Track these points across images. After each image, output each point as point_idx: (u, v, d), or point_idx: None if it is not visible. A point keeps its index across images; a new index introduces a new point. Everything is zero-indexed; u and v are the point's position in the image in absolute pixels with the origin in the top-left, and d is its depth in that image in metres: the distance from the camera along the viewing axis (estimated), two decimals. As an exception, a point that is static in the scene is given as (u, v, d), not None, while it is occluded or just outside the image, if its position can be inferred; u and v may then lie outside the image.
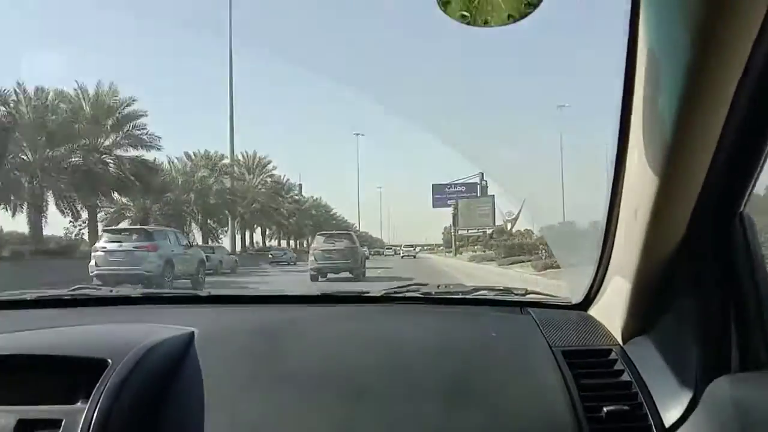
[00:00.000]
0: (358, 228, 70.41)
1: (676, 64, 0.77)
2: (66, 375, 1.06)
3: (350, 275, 17.70)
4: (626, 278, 1.15)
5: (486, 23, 0.82)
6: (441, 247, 73.18)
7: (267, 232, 48.33)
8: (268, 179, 45.06)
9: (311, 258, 18.22)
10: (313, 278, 17.68)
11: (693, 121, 0.80)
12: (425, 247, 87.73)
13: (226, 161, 37.25)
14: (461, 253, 40.76)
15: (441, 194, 41.65)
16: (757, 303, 0.98)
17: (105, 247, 13.22)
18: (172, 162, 32.74)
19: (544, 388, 1.11)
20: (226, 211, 34.86)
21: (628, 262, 1.12)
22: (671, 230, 0.99)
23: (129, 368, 1.04)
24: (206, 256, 17.86)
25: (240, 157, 42.83)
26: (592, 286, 1.37)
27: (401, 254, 55.39)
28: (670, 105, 0.80)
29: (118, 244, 13.20)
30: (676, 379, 1.05)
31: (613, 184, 1.09)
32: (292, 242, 54.99)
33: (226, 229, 36.45)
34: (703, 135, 0.82)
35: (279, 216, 46.32)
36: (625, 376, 1.14)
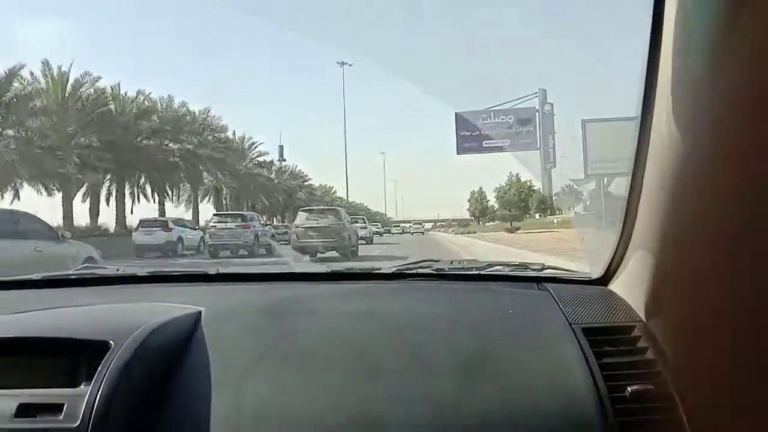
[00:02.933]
0: (346, 199, 56.72)
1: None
2: (68, 357, 1.04)
3: (337, 255, 16.12)
4: (649, 252, 1.08)
5: None
6: (468, 224, 53.82)
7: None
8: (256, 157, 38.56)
9: (293, 236, 16.87)
10: (296, 259, 16.20)
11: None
12: (438, 224, 72.95)
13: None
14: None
15: (470, 130, 23.58)
16: None
17: (215, 226, 19.01)
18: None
19: (564, 366, 1.06)
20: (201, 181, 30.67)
21: (651, 236, 1.05)
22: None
23: (131, 350, 1.01)
24: (284, 231, 23.15)
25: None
26: (612, 260, 1.30)
27: (411, 231, 51.12)
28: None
29: (225, 224, 18.94)
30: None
31: (635, 156, 1.03)
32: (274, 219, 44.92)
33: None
34: None
35: (270, 192, 39.78)
36: (649, 354, 1.08)
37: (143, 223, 20.50)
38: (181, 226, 20.64)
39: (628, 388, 1.01)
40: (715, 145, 0.83)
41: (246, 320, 1.23)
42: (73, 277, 1.60)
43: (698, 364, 1.00)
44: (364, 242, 24.05)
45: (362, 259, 15.73)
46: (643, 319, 1.17)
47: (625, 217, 1.16)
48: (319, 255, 15.65)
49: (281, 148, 55.40)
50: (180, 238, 19.49)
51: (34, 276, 1.59)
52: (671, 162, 0.90)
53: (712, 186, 0.88)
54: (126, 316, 1.19)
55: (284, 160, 55.20)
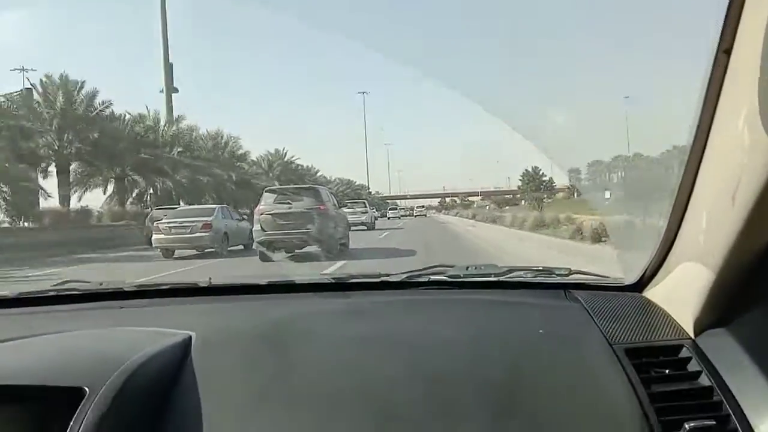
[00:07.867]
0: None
1: None
2: (39, 404, 0.93)
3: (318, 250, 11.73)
4: (703, 263, 0.94)
5: None
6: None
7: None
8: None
9: (256, 227, 12.38)
10: (263, 257, 11.86)
11: None
12: (445, 200, 66.40)
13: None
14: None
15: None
16: None
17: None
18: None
19: (610, 399, 0.92)
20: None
21: (709, 247, 0.92)
22: None
23: (109, 398, 0.88)
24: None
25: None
26: (650, 264, 1.17)
27: (414, 214, 51.42)
28: None
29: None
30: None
31: (691, 147, 0.90)
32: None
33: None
34: None
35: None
36: (704, 380, 0.94)
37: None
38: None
39: (686, 425, 0.87)
40: None
41: (241, 346, 1.10)
42: (51, 293, 1.47)
43: (763, 392, 0.85)
44: (365, 228, 22.65)
45: (354, 256, 12.28)
46: (692, 336, 1.03)
47: (671, 214, 1.02)
48: (296, 252, 11.89)
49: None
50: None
51: (9, 294, 1.47)
52: (735, 159, 0.77)
53: None
54: (104, 351, 1.05)
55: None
